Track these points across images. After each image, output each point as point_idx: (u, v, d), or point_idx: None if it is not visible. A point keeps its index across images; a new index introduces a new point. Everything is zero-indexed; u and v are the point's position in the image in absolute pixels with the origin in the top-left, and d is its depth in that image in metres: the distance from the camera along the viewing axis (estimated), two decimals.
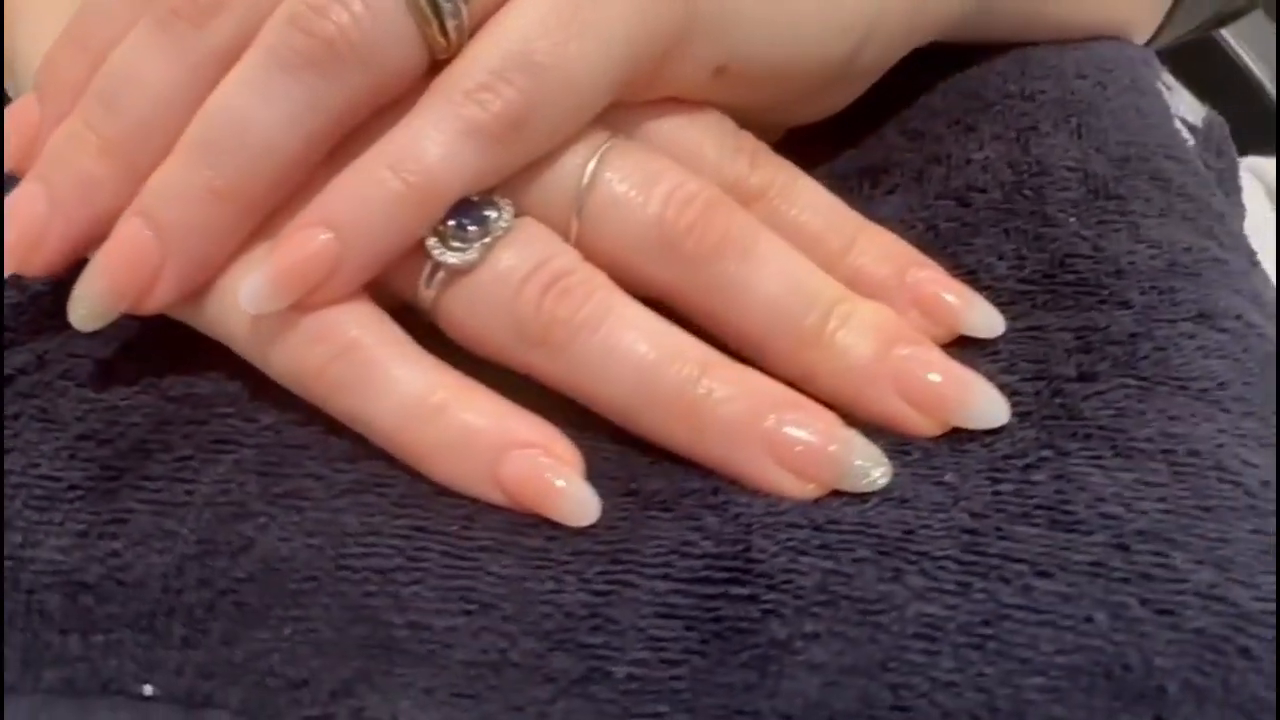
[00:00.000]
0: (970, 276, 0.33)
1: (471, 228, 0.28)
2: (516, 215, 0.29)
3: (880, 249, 0.32)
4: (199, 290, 0.29)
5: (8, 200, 0.29)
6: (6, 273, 0.29)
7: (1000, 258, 0.34)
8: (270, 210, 0.29)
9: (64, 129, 0.29)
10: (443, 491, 0.28)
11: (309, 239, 0.27)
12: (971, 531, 0.27)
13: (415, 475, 0.28)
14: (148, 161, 0.28)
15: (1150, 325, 0.31)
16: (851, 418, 0.29)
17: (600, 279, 0.29)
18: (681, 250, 0.29)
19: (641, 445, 0.29)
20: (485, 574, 0.27)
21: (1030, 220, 0.35)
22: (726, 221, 0.29)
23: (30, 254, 0.29)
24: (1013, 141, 0.38)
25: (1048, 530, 0.27)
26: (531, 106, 0.27)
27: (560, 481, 0.27)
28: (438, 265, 0.28)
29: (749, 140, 0.32)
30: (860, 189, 0.37)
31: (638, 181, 0.29)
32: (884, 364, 0.29)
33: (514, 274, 0.28)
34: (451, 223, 0.28)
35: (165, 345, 0.31)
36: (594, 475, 0.28)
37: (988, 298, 0.32)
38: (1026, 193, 0.36)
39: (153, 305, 0.29)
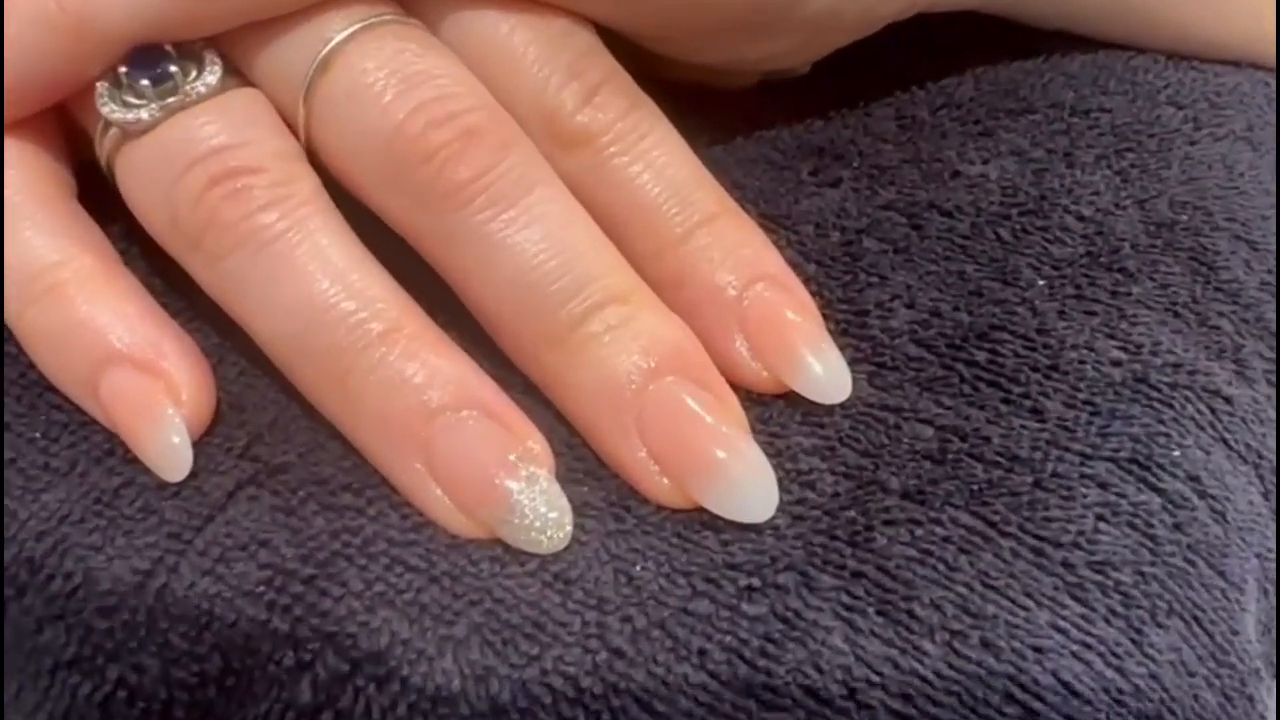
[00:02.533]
0: (857, 319, 0.25)
1: (144, 83, 0.22)
2: (238, 84, 0.23)
3: (730, 245, 0.24)
4: None
5: None
6: None
7: (910, 305, 0.25)
8: None
9: None
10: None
11: None
12: (620, 649, 0.19)
13: None
14: None
15: (1048, 454, 0.22)
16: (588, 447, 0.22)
17: (303, 187, 0.22)
18: (413, 178, 0.22)
19: None
20: None
21: (984, 268, 0.26)
22: (486, 159, 0.22)
23: None
24: (1027, 162, 0.28)
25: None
26: None
27: (156, 409, 0.22)
28: (105, 121, 0.22)
29: (597, 66, 0.24)
30: (794, 171, 0.28)
31: (389, 76, 0.22)
32: (637, 398, 0.22)
33: (184, 151, 0.22)
34: (122, 69, 0.22)
35: None
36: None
37: (862, 351, 0.24)
38: (1000, 232, 0.27)
39: None
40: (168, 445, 0.21)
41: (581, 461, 0.22)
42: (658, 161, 0.24)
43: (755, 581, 0.20)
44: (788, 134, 0.29)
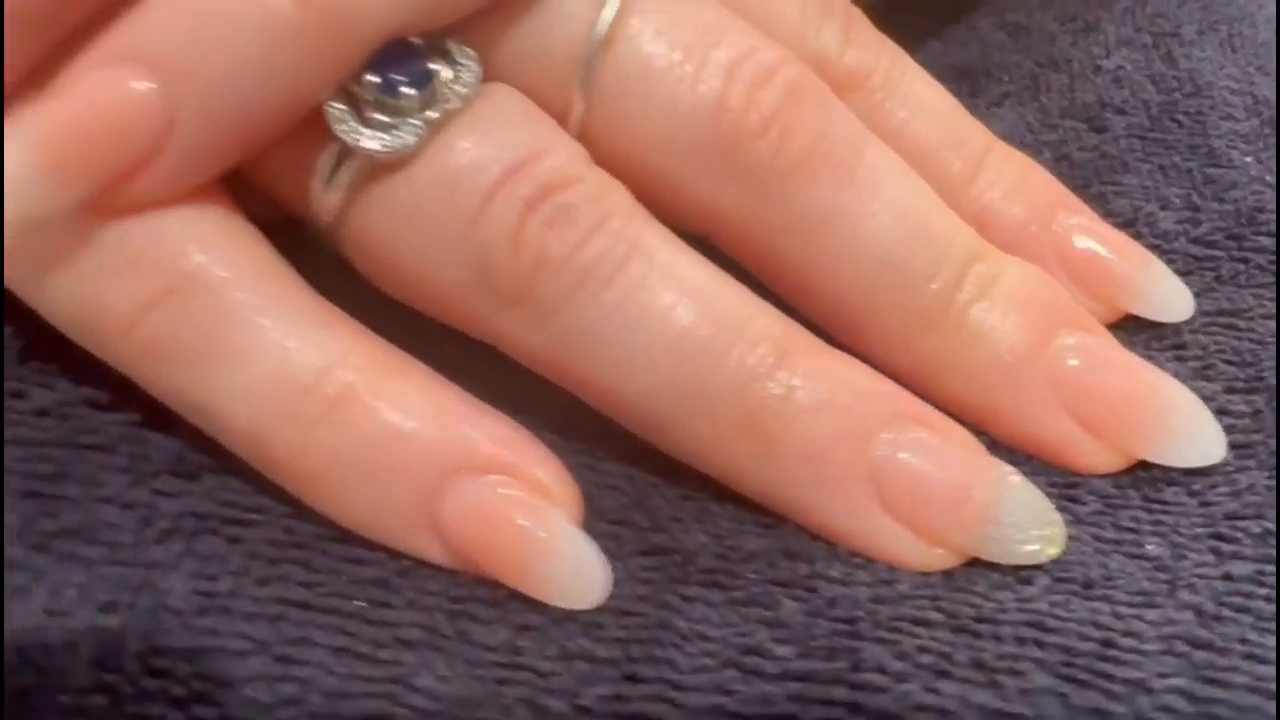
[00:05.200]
0: (1125, 229, 0.23)
1: (407, 90, 0.16)
2: (486, 79, 0.17)
3: (1015, 177, 0.21)
4: None
5: None
6: None
7: (1164, 206, 0.23)
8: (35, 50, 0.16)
9: None
10: (344, 536, 0.17)
11: (112, 86, 0.15)
12: (1206, 646, 0.17)
13: (298, 505, 0.17)
14: None
15: None
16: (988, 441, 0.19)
17: (620, 196, 0.17)
18: (748, 159, 0.18)
19: (657, 460, 0.18)
20: (412, 690, 0.15)
21: (1193, 156, 0.25)
22: (821, 119, 0.18)
23: None
24: (1149, 48, 0.27)
25: None
26: None
27: (542, 531, 0.16)
28: (346, 151, 0.16)
29: (840, 1, 0.21)
30: (957, 95, 0.26)
31: (683, 40, 0.18)
32: (1040, 360, 0.19)
33: (479, 176, 0.16)
34: (373, 78, 0.16)
35: None
36: (596, 520, 0.17)
37: None
38: (1180, 118, 0.25)
39: (131, 200, 0.16)
40: (572, 559, 0.16)
41: None
42: (924, 100, 0.21)
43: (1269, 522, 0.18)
44: (927, 57, 0.27)
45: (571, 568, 0.16)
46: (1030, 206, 0.21)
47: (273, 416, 0.16)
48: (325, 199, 0.17)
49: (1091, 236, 0.21)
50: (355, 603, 0.16)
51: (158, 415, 0.17)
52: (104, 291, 0.16)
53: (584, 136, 0.18)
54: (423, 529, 0.16)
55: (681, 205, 0.18)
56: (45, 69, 0.16)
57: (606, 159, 0.18)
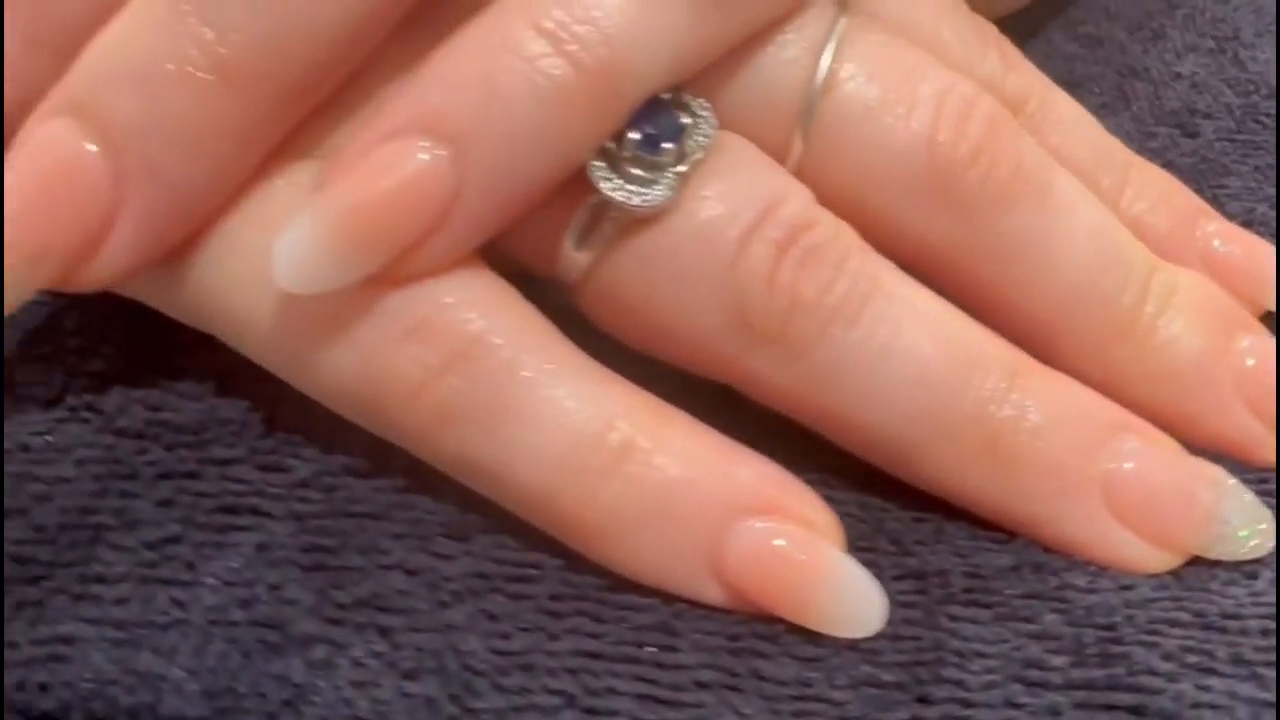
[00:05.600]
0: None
1: (667, 145, 0.17)
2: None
3: (1157, 190, 0.22)
4: (179, 250, 0.17)
5: None
6: None
7: (1271, 205, 0.25)
8: (306, 113, 0.17)
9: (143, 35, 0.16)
10: (618, 584, 0.17)
11: (403, 156, 0.15)
12: None
13: (570, 558, 0.17)
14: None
15: None
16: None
17: (851, 234, 0.18)
18: (960, 189, 0.18)
19: (881, 486, 0.19)
20: None
21: None
22: (1017, 147, 0.19)
23: None
24: (1216, 53, 0.29)
25: None
26: None
27: (821, 565, 0.17)
28: (604, 208, 0.17)
29: (989, 27, 0.22)
30: None
31: (892, 80, 0.18)
32: (1225, 361, 0.20)
33: (732, 224, 0.17)
34: (635, 135, 0.17)
35: (113, 340, 0.19)
36: (849, 550, 0.18)
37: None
38: (1263, 119, 0.27)
39: (96, 276, 0.16)
40: (851, 589, 0.17)
41: None
42: (1072, 120, 0.22)
43: None
44: None
45: (852, 598, 0.17)
46: (1173, 216, 0.22)
47: (562, 473, 0.16)
48: (576, 257, 0.17)
49: (1230, 240, 0.22)
50: (646, 649, 0.16)
51: (420, 479, 0.17)
52: (390, 360, 0.16)
53: (801, 176, 0.18)
54: (705, 572, 0.17)
55: (893, 237, 0.19)
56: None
57: (824, 198, 0.18)
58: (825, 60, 0.18)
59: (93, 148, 0.16)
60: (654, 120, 0.17)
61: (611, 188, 0.16)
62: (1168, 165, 0.25)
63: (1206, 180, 0.25)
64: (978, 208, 0.18)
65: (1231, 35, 0.29)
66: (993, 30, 0.22)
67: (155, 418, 0.18)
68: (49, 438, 0.18)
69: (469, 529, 0.17)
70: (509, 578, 0.17)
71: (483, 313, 0.16)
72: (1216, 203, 0.24)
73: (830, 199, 0.18)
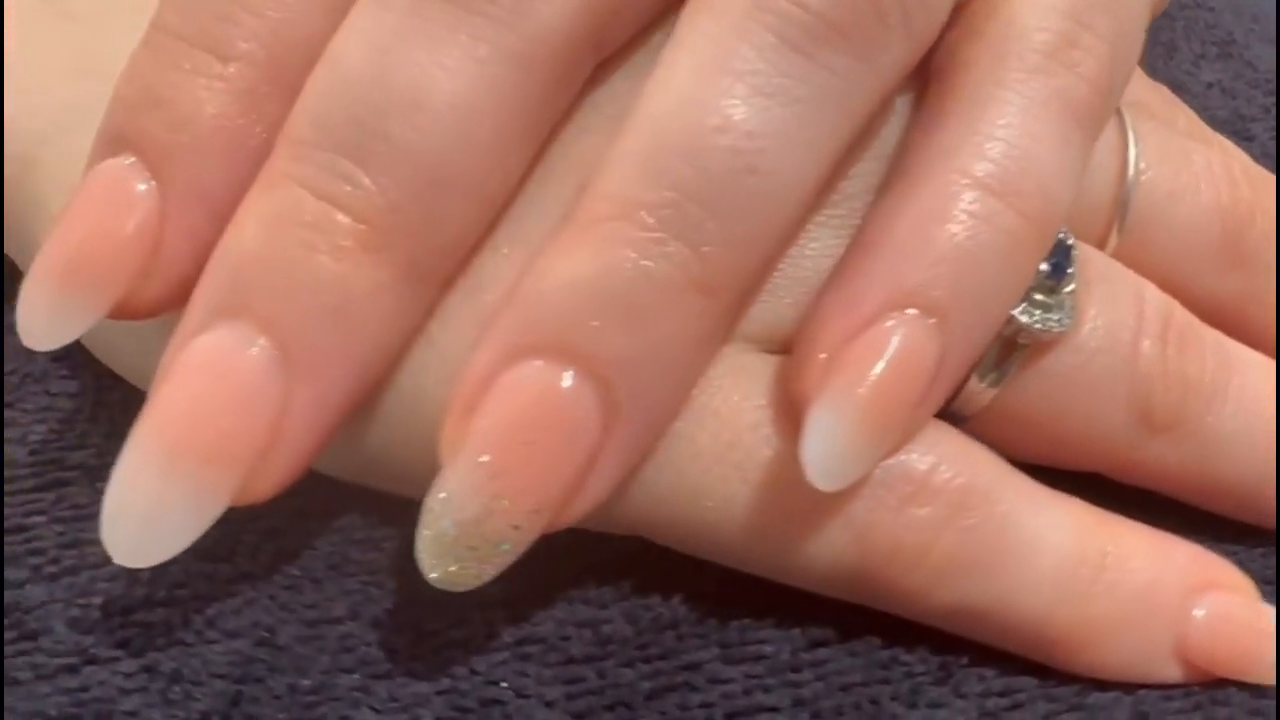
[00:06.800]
0: None
1: (1069, 269, 0.18)
2: None
3: None
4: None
5: None
6: None
7: None
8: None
9: (268, 203, 0.16)
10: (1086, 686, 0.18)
11: (911, 336, 0.16)
12: None
13: None
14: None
15: None
16: None
17: (1190, 315, 0.19)
18: (1246, 245, 0.20)
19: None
20: None
21: None
22: (1271, 197, 0.21)
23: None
24: (1224, 58, 0.32)
25: None
26: (1115, 60, 0.18)
27: (1268, 623, 0.18)
28: (1012, 340, 0.17)
29: (1163, 88, 0.24)
30: None
31: (1177, 162, 0.20)
32: None
33: (1122, 329, 0.18)
34: (1045, 266, 0.17)
35: None
36: None
37: None
38: None
39: (578, 513, 0.16)
40: None
41: None
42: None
43: None
44: None
45: None
46: None
47: (1057, 595, 0.17)
48: (980, 389, 0.18)
49: None
50: None
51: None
52: (891, 529, 0.16)
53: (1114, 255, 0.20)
54: (1172, 656, 0.18)
55: (1194, 300, 0.20)
56: None
57: (1140, 268, 0.20)
58: (1132, 156, 0.19)
59: (573, 382, 0.15)
60: (1056, 250, 0.17)
61: (1031, 320, 0.17)
62: None
63: None
64: (1259, 259, 0.20)
65: (1227, 39, 0.32)
66: (1165, 89, 0.23)
67: None
68: None
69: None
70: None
71: (959, 466, 0.17)
72: None
73: (1146, 268, 0.20)
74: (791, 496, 0.16)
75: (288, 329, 0.15)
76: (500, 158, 0.16)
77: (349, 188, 0.15)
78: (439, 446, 0.16)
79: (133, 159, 0.17)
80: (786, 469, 0.16)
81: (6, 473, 0.19)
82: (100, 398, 0.20)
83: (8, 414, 0.20)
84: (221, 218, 0.16)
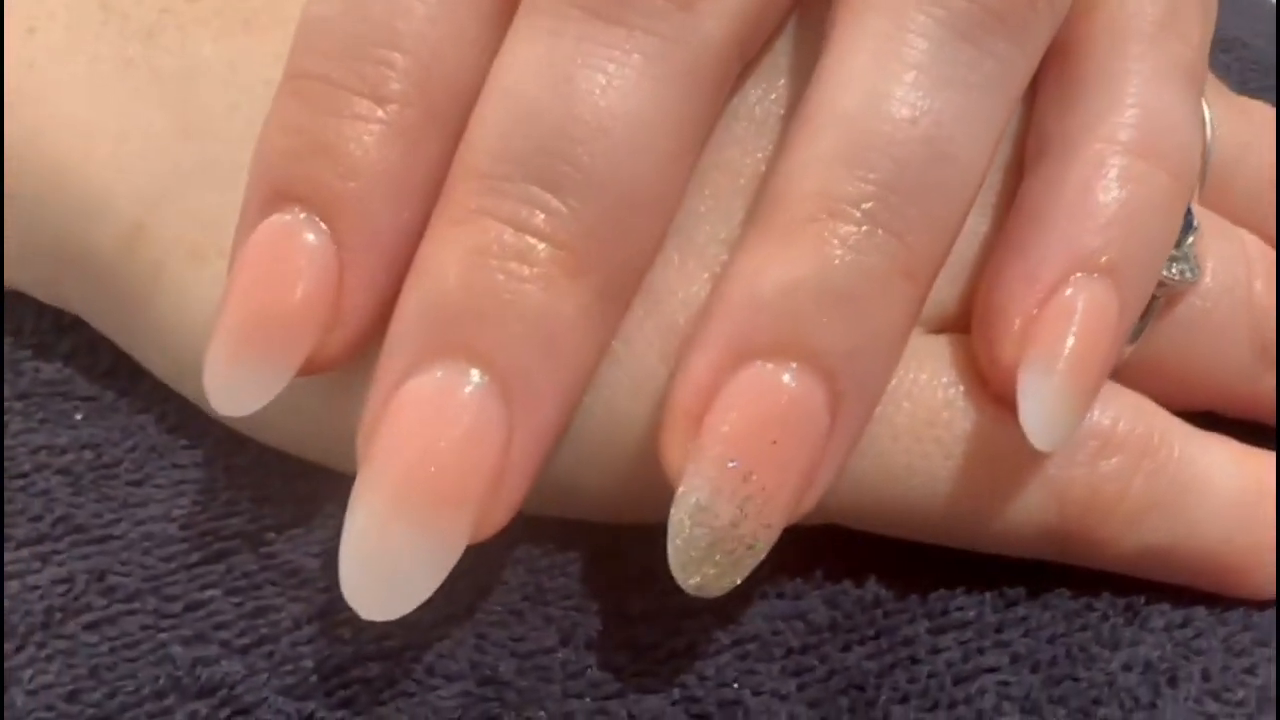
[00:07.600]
0: None
1: (1194, 224, 0.19)
2: None
3: None
4: None
5: None
6: None
7: None
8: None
9: (463, 238, 0.16)
10: None
11: (1094, 297, 0.17)
12: None
13: None
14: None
15: None
16: None
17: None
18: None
19: None
20: None
21: None
22: None
23: None
24: (1225, 51, 0.34)
25: None
26: (1206, 24, 0.19)
27: None
28: (1155, 290, 0.19)
29: None
30: None
31: (1237, 118, 0.22)
32: None
33: (1235, 271, 0.20)
34: None
35: None
36: None
37: None
38: None
39: (811, 504, 0.16)
40: None
41: None
42: None
43: None
44: None
45: None
46: None
47: (1235, 523, 0.18)
48: (1126, 346, 0.19)
49: None
50: None
51: None
52: (1089, 482, 0.18)
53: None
54: None
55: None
56: None
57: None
58: (1209, 114, 0.21)
59: (803, 378, 0.16)
60: None
61: (1169, 274, 0.18)
62: None
63: None
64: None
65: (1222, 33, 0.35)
66: None
67: None
68: None
69: None
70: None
71: (1136, 417, 0.18)
72: None
73: None
74: (993, 464, 0.17)
75: (505, 361, 0.15)
76: (677, 171, 0.17)
77: (544, 216, 0.16)
78: (660, 459, 0.16)
79: (301, 211, 0.16)
80: (985, 439, 0.17)
81: (159, 551, 0.19)
82: (230, 462, 0.20)
83: (140, 491, 0.19)
84: (394, 261, 0.16)
